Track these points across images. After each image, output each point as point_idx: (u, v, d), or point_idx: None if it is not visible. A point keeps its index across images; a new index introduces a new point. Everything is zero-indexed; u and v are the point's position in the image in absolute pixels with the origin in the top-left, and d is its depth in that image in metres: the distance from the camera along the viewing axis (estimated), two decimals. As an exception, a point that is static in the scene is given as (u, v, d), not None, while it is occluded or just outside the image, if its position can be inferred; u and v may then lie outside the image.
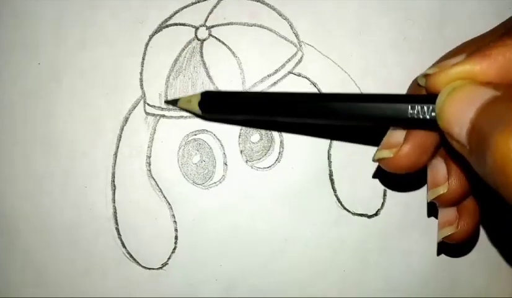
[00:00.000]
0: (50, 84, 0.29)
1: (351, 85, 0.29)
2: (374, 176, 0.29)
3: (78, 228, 0.29)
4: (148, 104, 0.29)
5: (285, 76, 0.29)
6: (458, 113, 0.18)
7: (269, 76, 0.29)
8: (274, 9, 0.29)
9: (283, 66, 0.29)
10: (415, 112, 0.21)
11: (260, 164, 0.29)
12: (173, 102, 0.28)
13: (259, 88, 0.29)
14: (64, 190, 0.29)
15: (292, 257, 0.29)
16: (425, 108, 0.20)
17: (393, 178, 0.29)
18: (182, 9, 0.29)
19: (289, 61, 0.29)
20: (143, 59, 0.29)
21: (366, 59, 0.29)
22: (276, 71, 0.29)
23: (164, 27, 0.29)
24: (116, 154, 0.29)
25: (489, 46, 0.19)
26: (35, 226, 0.29)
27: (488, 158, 0.17)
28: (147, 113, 0.29)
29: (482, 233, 0.30)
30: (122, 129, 0.29)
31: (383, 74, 0.29)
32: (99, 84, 0.29)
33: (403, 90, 0.29)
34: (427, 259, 0.30)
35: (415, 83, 0.23)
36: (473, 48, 0.20)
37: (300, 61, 0.29)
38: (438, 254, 0.30)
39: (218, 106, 0.26)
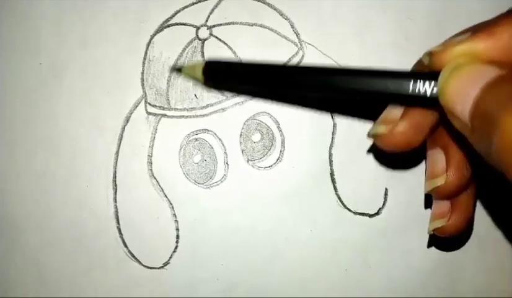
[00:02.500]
0: (51, 83, 0.29)
1: (352, 84, 0.29)
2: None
3: (79, 227, 0.29)
4: (149, 104, 0.29)
5: (286, 75, 0.29)
6: (461, 90, 0.18)
7: (270, 75, 0.29)
8: (275, 9, 0.29)
9: (284, 65, 0.29)
10: (417, 88, 0.20)
11: (261, 164, 0.29)
12: (178, 70, 0.28)
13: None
14: (65, 189, 0.29)
15: (294, 256, 0.29)
16: (427, 84, 0.20)
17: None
18: (183, 8, 0.29)
19: (290, 60, 0.29)
20: (144, 58, 0.29)
21: (366, 59, 0.29)
22: (277, 71, 0.29)
23: (165, 27, 0.29)
24: (117, 153, 0.29)
25: (494, 24, 0.19)
26: (37, 225, 0.29)
27: (495, 137, 0.16)
28: (149, 113, 0.29)
29: (482, 232, 0.30)
30: (123, 128, 0.29)
31: (384, 73, 0.29)
32: (100, 83, 0.29)
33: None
34: (428, 259, 0.30)
35: (420, 62, 0.22)
36: (480, 26, 0.20)
37: (301, 60, 0.29)
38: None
39: (221, 75, 0.26)
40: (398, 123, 0.23)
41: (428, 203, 0.30)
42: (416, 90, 0.20)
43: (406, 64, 0.29)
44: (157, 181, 0.29)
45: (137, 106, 0.29)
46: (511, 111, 0.16)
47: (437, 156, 0.24)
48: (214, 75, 0.26)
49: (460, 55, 0.19)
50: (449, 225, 0.25)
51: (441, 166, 0.24)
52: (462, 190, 0.24)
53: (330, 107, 0.29)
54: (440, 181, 0.24)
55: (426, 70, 0.21)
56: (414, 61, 0.29)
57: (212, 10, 0.29)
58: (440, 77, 0.19)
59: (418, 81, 0.20)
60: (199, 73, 0.26)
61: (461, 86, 0.18)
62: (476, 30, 0.19)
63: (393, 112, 0.24)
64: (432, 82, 0.20)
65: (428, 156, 0.25)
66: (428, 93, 0.20)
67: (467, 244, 0.30)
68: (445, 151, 0.24)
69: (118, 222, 0.29)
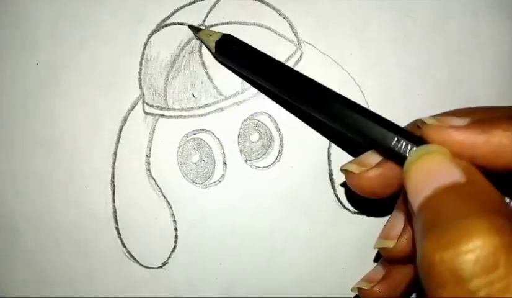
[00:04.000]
0: (49, 84, 0.29)
1: (351, 83, 0.29)
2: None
3: (78, 228, 0.29)
4: (147, 104, 0.29)
5: (284, 74, 0.29)
6: (418, 182, 0.18)
7: (268, 75, 0.29)
8: (273, 8, 0.29)
9: (282, 64, 0.29)
10: (399, 145, 0.21)
11: (260, 163, 0.29)
12: (196, 29, 0.28)
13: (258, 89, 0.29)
14: (63, 190, 0.29)
15: (292, 256, 0.29)
16: (409, 146, 0.20)
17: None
18: (181, 8, 0.29)
19: (289, 59, 0.29)
20: (142, 58, 0.29)
21: (365, 57, 0.29)
22: (275, 70, 0.29)
23: (163, 27, 0.29)
24: (115, 154, 0.29)
25: (492, 123, 0.19)
26: (35, 226, 0.29)
27: (418, 252, 0.17)
28: (146, 113, 0.29)
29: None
30: (121, 129, 0.29)
31: (383, 72, 0.29)
32: (98, 83, 0.29)
33: (401, 88, 0.29)
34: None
35: (416, 122, 0.22)
36: (482, 116, 0.20)
37: (299, 59, 0.29)
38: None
39: (233, 53, 0.26)
40: (370, 168, 0.23)
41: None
42: (397, 148, 0.21)
43: (406, 62, 0.29)
44: (155, 181, 0.29)
45: (134, 106, 0.29)
46: (430, 238, 0.16)
47: (397, 219, 0.24)
48: (225, 50, 0.27)
49: (447, 140, 0.19)
50: (372, 291, 0.25)
51: (397, 230, 0.24)
52: (406, 262, 0.24)
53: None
54: (389, 244, 0.24)
55: (418, 132, 0.21)
56: (414, 59, 0.29)
57: (210, 9, 0.29)
58: (408, 158, 0.19)
59: (402, 139, 0.21)
60: (213, 41, 0.27)
61: (420, 178, 0.18)
62: (474, 121, 0.19)
63: (372, 157, 0.24)
64: (414, 148, 0.20)
65: (391, 215, 0.25)
66: (407, 154, 0.20)
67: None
68: (406, 218, 0.24)
69: (116, 222, 0.29)
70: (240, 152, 0.29)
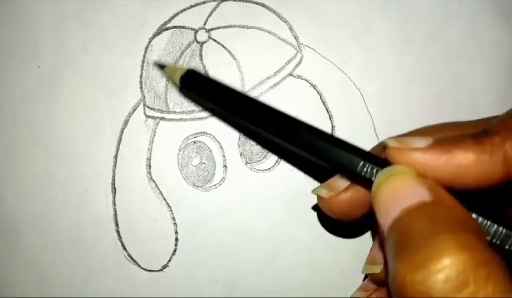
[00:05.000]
0: (50, 87, 0.29)
1: (351, 87, 0.29)
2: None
3: (79, 231, 0.29)
4: (148, 107, 0.29)
5: (284, 78, 0.29)
6: (386, 204, 0.18)
7: (268, 78, 0.29)
8: (273, 12, 0.29)
9: (283, 68, 0.29)
10: (365, 169, 0.21)
11: (260, 166, 0.29)
12: (161, 66, 0.28)
13: (258, 90, 0.29)
14: (64, 192, 0.29)
15: (292, 259, 0.29)
16: (374, 170, 0.20)
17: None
18: (181, 11, 0.29)
19: (289, 63, 0.29)
20: (143, 62, 0.29)
21: (365, 61, 0.29)
22: (276, 73, 0.29)
23: (164, 30, 0.29)
24: (116, 157, 0.29)
25: (453, 143, 0.19)
26: (36, 228, 0.29)
27: (389, 275, 0.17)
28: (147, 116, 0.29)
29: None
30: (122, 132, 0.29)
31: (383, 75, 0.29)
32: (99, 87, 0.29)
33: (401, 92, 0.29)
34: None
35: (382, 144, 0.22)
36: (447, 133, 0.20)
37: (299, 63, 0.29)
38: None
39: (197, 88, 0.26)
40: (340, 193, 0.23)
41: None
42: (363, 172, 0.21)
43: (405, 65, 0.29)
44: (155, 184, 0.29)
45: (135, 109, 0.29)
46: (405, 259, 0.16)
47: (379, 246, 0.24)
48: (190, 85, 0.26)
49: (409, 162, 0.19)
50: None
51: (382, 255, 0.24)
52: None
53: (328, 109, 0.29)
54: (376, 269, 0.24)
55: (383, 155, 0.21)
56: (414, 63, 0.30)
57: (211, 13, 0.29)
58: (375, 181, 0.19)
59: (367, 163, 0.21)
60: (177, 77, 0.26)
61: (388, 200, 0.18)
62: (436, 142, 0.19)
63: (341, 181, 0.24)
64: (380, 171, 0.20)
65: (375, 240, 0.25)
66: (373, 178, 0.20)
67: None
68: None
69: (117, 225, 0.29)
70: (241, 155, 0.29)
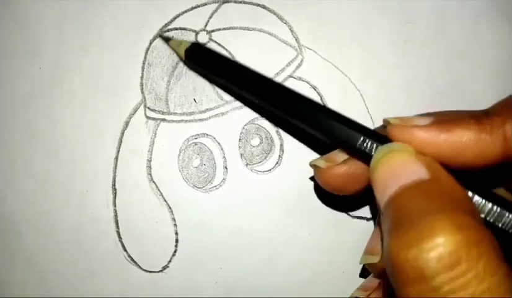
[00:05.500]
0: (51, 88, 0.29)
1: (351, 88, 0.29)
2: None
3: (79, 232, 0.29)
4: (149, 108, 0.29)
5: (285, 79, 0.29)
6: (384, 180, 0.19)
7: (269, 79, 0.29)
8: (274, 13, 0.29)
9: (283, 69, 0.29)
10: (364, 145, 0.21)
11: (260, 168, 0.29)
12: (166, 39, 0.29)
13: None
14: (65, 193, 0.29)
15: (292, 260, 0.29)
16: (374, 145, 0.21)
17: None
18: (182, 13, 0.29)
19: (289, 64, 0.29)
20: (143, 63, 0.29)
21: (366, 63, 0.29)
22: (276, 75, 0.29)
23: (165, 32, 0.29)
24: (116, 158, 0.29)
25: (454, 122, 0.19)
26: (36, 229, 0.29)
27: (385, 248, 0.17)
28: (148, 118, 0.29)
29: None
30: (123, 133, 0.29)
31: (383, 77, 0.29)
32: (100, 88, 0.29)
33: (403, 93, 0.29)
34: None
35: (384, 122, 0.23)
36: (446, 117, 0.20)
37: (300, 64, 0.29)
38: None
39: (202, 61, 0.27)
40: (337, 165, 0.23)
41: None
42: (363, 147, 0.21)
43: (406, 67, 0.29)
44: (156, 185, 0.29)
45: (136, 110, 0.29)
46: (397, 234, 0.16)
47: (379, 234, 0.24)
48: (195, 58, 0.27)
49: (410, 139, 0.19)
50: None
51: (380, 244, 0.24)
52: None
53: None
54: (374, 259, 0.24)
55: (384, 133, 0.21)
56: (414, 64, 0.30)
57: (212, 14, 0.29)
58: (373, 157, 0.20)
59: (367, 139, 0.21)
60: (182, 50, 0.27)
61: (385, 175, 0.19)
62: (436, 121, 0.20)
63: (340, 155, 0.24)
64: (379, 147, 0.20)
65: (374, 230, 0.25)
66: (372, 153, 0.21)
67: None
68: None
69: (117, 226, 0.29)
70: (241, 156, 0.29)
